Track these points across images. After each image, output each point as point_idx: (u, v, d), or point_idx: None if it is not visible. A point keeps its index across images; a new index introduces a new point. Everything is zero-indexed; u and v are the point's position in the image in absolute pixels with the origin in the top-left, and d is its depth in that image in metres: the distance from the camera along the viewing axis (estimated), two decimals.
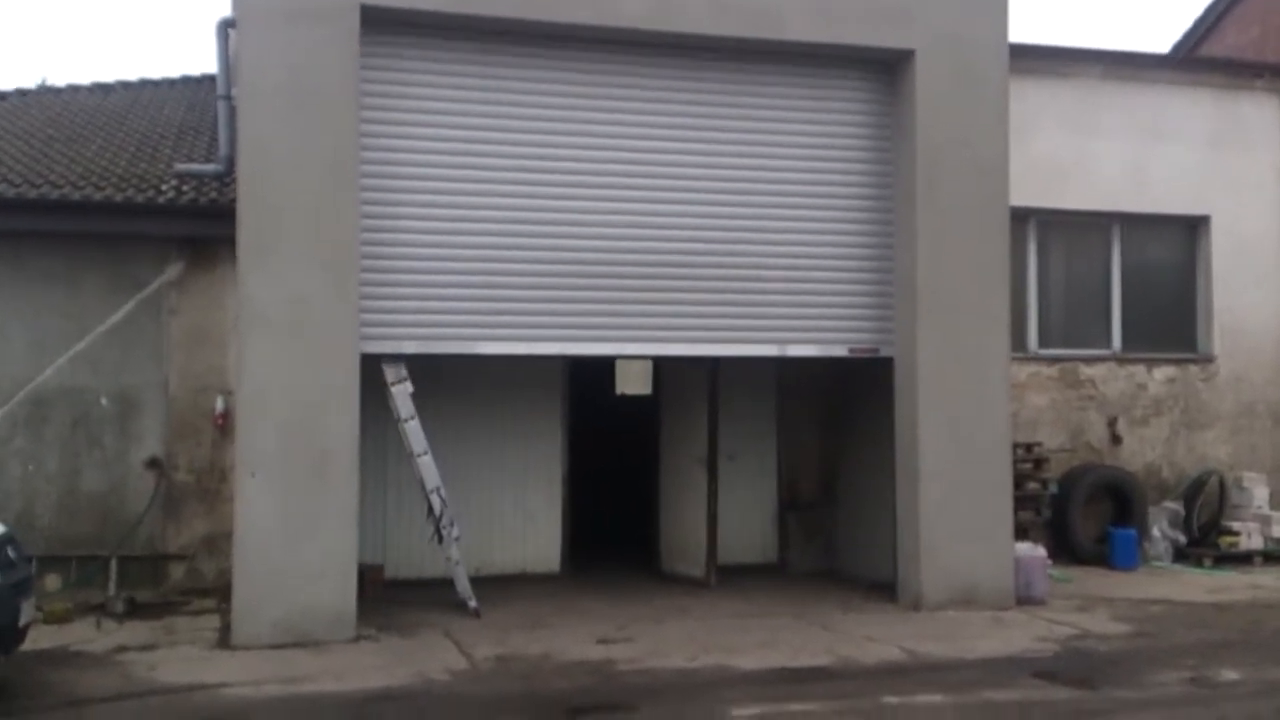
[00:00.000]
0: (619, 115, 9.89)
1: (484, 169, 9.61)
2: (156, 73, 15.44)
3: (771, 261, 10.23)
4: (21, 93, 14.06)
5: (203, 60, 44.54)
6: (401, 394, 9.59)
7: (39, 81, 14.43)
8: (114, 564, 10.27)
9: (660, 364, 12.03)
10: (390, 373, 9.52)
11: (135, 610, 9.68)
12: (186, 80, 14.89)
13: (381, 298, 9.35)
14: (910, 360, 10.16)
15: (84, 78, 14.51)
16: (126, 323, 10.74)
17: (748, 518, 12.18)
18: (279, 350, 8.87)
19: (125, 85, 14.46)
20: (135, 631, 9.08)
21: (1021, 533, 11.00)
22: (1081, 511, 12.56)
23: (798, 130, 10.30)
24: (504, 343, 9.73)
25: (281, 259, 8.88)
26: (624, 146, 9.90)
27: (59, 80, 14.57)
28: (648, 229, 9.96)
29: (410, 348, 9.51)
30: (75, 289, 10.63)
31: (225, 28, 10.66)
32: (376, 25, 9.17)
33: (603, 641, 8.75)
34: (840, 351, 10.49)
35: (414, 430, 9.68)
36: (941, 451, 10.02)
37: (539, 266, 9.72)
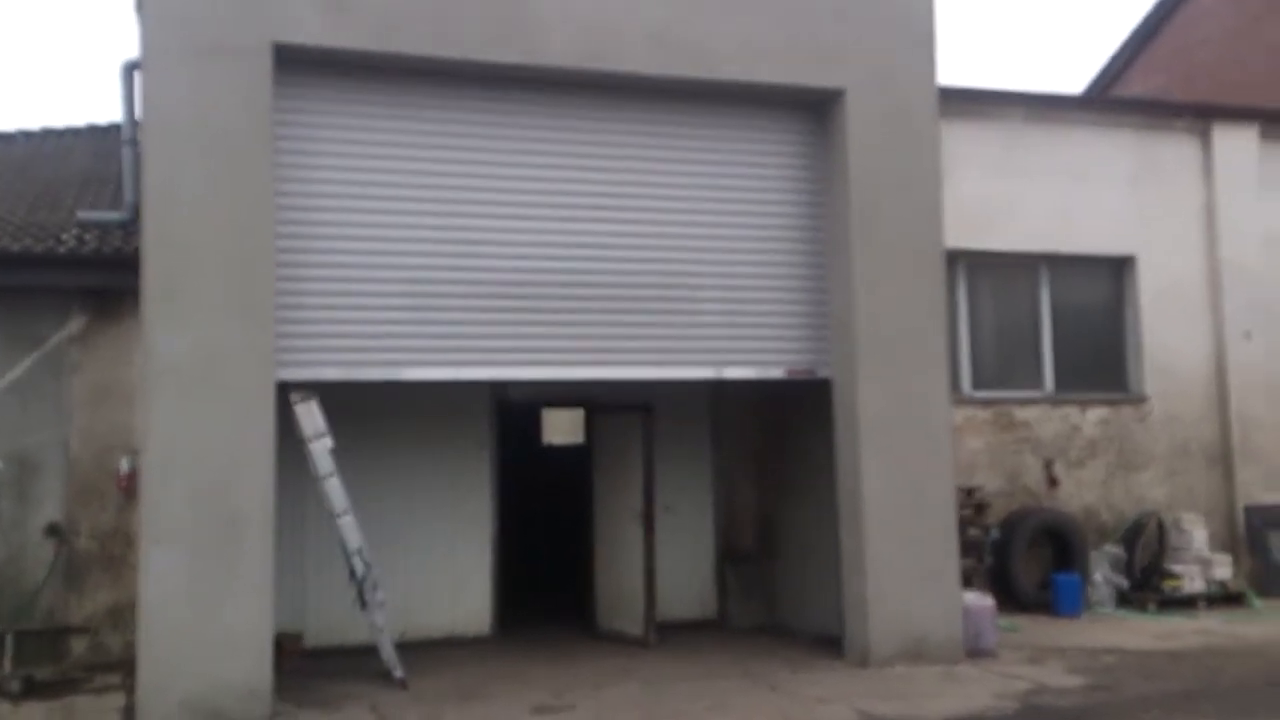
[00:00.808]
0: (545, 153, 9.53)
1: (408, 209, 9.17)
2: (64, 122, 14.54)
3: (707, 283, 9.91)
4: None
5: (111, 109, 43.32)
6: (320, 450, 9.07)
7: None
8: (9, 639, 9.51)
9: (591, 410, 11.63)
10: (302, 412, 8.95)
11: (33, 689, 8.98)
12: (94, 129, 14.22)
13: (298, 321, 8.82)
14: (850, 403, 9.88)
15: None
16: (25, 380, 10.10)
17: (685, 571, 11.78)
18: (188, 405, 8.31)
19: (27, 135, 13.77)
20: (32, 713, 8.40)
21: (964, 581, 10.73)
22: (1023, 556, 12.36)
23: (731, 168, 10.03)
24: (430, 368, 9.24)
25: (190, 306, 8.35)
26: (550, 178, 9.53)
27: None
28: (576, 259, 9.57)
29: (331, 374, 8.98)
30: None
31: (130, 70, 10.20)
32: (291, 64, 8.74)
33: (541, 710, 8.24)
34: (777, 372, 10.15)
35: (334, 489, 9.15)
36: (886, 496, 9.72)
37: (466, 290, 9.28)
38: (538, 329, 9.44)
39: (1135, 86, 20.05)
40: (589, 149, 9.64)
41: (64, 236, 10.16)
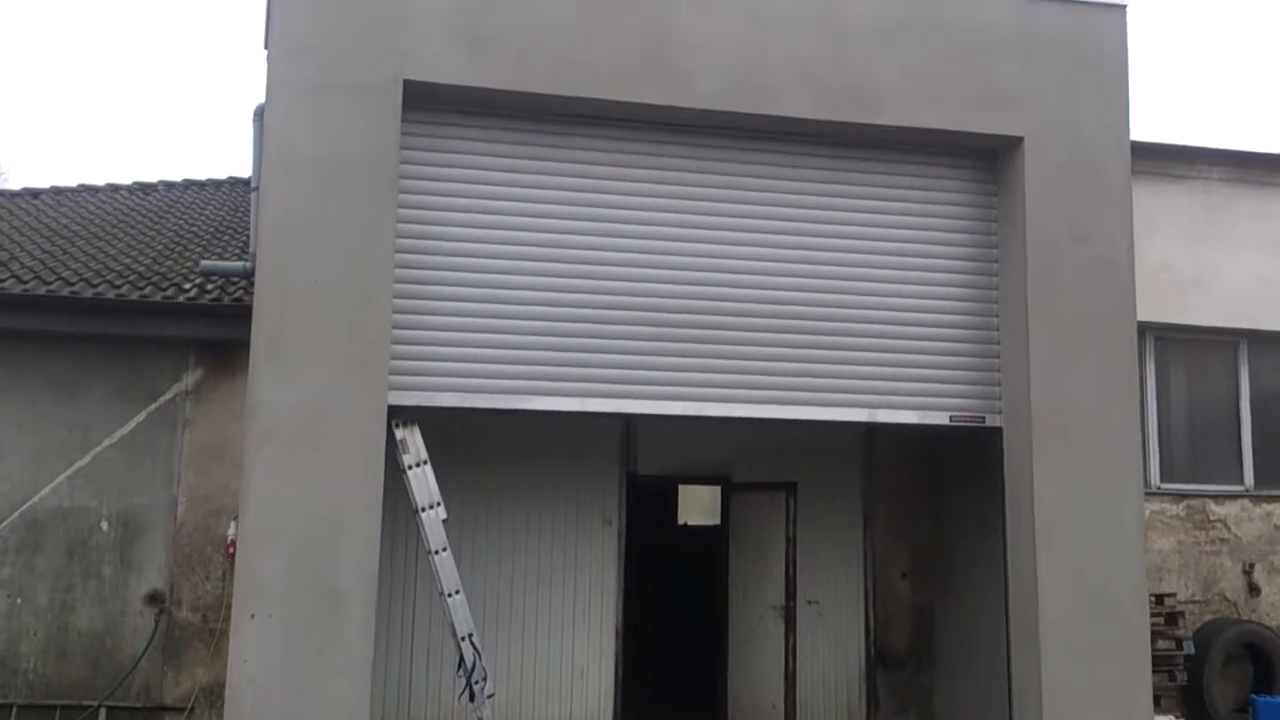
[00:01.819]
0: (687, 195, 8.69)
1: (539, 244, 8.44)
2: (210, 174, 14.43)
3: (862, 324, 8.90)
4: (56, 190, 13.30)
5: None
6: (432, 521, 8.28)
7: (79, 182, 13.55)
8: (102, 714, 8.94)
9: (729, 488, 10.65)
10: (416, 480, 8.20)
11: None
12: (234, 181, 14.08)
13: (413, 343, 8.15)
14: (1025, 492, 8.68)
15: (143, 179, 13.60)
16: (135, 436, 9.64)
17: (830, 676, 10.53)
18: (290, 465, 7.63)
19: (168, 185, 13.69)
20: None
21: (1153, 700, 9.31)
22: (1219, 674, 10.82)
23: (890, 216, 9.02)
24: (555, 398, 8.37)
25: (301, 357, 7.71)
26: (691, 221, 8.68)
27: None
28: (715, 296, 8.68)
29: (445, 400, 8.20)
30: (81, 398, 9.56)
31: (261, 114, 9.76)
32: (421, 101, 8.15)
33: None
34: (940, 419, 8.99)
35: (445, 565, 8.33)
36: (1064, 601, 8.43)
37: (596, 322, 8.48)
38: (673, 360, 8.57)
39: None
40: (733, 191, 8.77)
41: (185, 286, 9.74)
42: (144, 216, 12.30)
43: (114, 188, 13.69)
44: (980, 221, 9.19)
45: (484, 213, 8.38)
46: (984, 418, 9.03)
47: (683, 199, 8.69)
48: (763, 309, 8.73)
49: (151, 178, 14.03)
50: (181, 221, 12.07)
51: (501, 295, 8.35)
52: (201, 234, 11.59)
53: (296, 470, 7.64)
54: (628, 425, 10.26)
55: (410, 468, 8.38)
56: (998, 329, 9.10)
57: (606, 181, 8.60)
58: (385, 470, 7.84)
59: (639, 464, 10.44)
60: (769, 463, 10.46)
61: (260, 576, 7.50)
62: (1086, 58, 9.19)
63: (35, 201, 12.69)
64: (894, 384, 8.90)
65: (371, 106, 7.98)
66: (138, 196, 13.41)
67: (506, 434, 9.86)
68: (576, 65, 8.30)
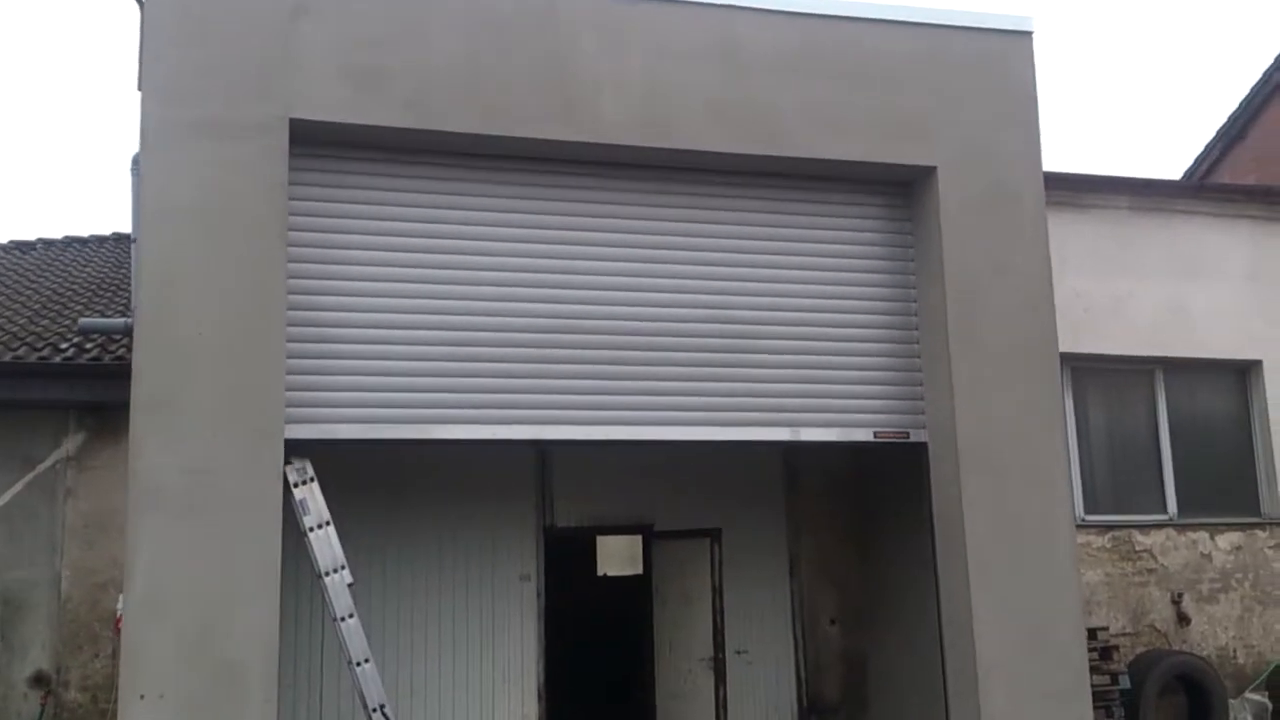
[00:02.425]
0: (594, 228, 8.37)
1: (443, 282, 8.05)
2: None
3: (779, 344, 8.61)
4: None
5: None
6: (337, 586, 7.74)
7: None
8: None
9: (650, 536, 10.25)
10: (318, 542, 7.67)
11: None
12: (118, 237, 13.44)
13: (309, 372, 7.67)
14: (954, 526, 8.41)
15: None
16: (13, 507, 8.97)
17: None
18: (177, 532, 7.05)
19: (47, 243, 13.00)
20: None
21: None
22: (1155, 707, 10.63)
23: (804, 245, 8.76)
24: (465, 425, 7.93)
25: (184, 416, 7.16)
26: (602, 256, 8.35)
27: None
28: (625, 318, 8.37)
29: (347, 432, 7.71)
30: None
31: (137, 164, 9.24)
32: (308, 142, 7.72)
33: None
34: (863, 435, 8.72)
35: (353, 632, 7.77)
36: (1002, 641, 8.15)
37: (506, 350, 8.10)
38: (585, 382, 8.20)
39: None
40: (642, 222, 8.46)
41: (62, 345, 9.13)
42: (20, 276, 11.64)
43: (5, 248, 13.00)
44: (898, 248, 8.99)
45: (383, 249, 7.94)
46: (908, 433, 8.79)
47: (590, 231, 8.35)
48: (676, 335, 8.40)
49: (30, 236, 13.33)
50: (60, 280, 11.44)
51: (402, 334, 7.91)
52: (81, 292, 10.98)
53: (185, 538, 7.08)
54: (543, 475, 9.86)
55: (311, 530, 7.85)
56: (919, 355, 8.88)
57: (511, 215, 8.22)
58: (284, 533, 7.33)
59: (556, 515, 10.00)
60: (691, 509, 10.10)
61: (149, 654, 6.90)
62: (996, 85, 9.08)
63: None
64: (816, 401, 8.61)
65: (256, 148, 7.52)
66: (14, 255, 12.72)
67: (415, 487, 9.42)
68: (474, 101, 7.94)
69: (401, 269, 7.98)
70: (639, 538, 10.61)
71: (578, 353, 8.20)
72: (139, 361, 7.19)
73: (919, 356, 8.88)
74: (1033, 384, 8.65)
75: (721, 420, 8.42)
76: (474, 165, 8.18)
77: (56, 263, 12.21)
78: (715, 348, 8.47)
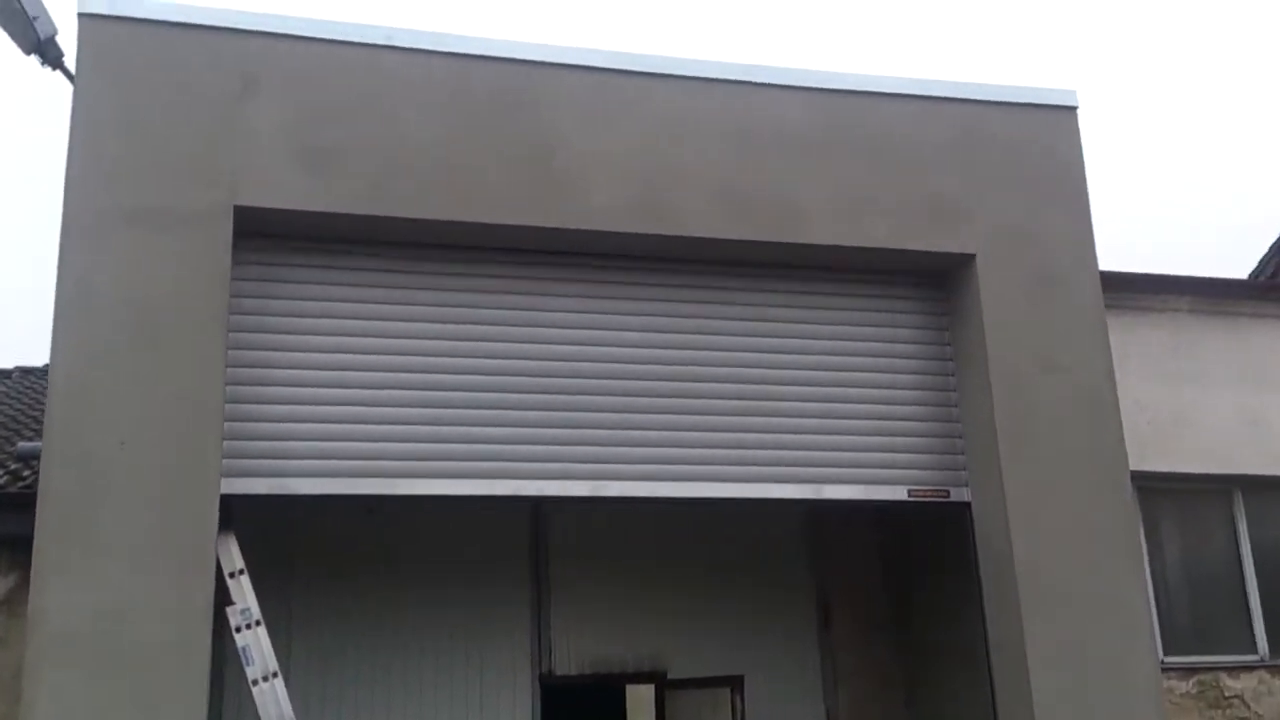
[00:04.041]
0: (581, 328, 7.37)
1: (409, 399, 7.02)
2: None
3: (802, 405, 7.62)
4: None
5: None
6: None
7: None
8: None
9: (662, 685, 8.95)
10: (249, 649, 6.51)
11: None
12: (25, 371, 12.64)
13: (256, 419, 6.74)
14: (1018, 678, 7.11)
15: None
16: None
17: None
18: (88, 689, 5.92)
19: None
20: None
21: None
22: None
23: (828, 345, 7.75)
24: (447, 480, 6.91)
25: (98, 551, 6.09)
26: (585, 356, 7.35)
27: None
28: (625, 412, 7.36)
29: (302, 486, 6.69)
30: None
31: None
32: (255, 232, 6.81)
33: None
34: (897, 494, 7.58)
35: None
36: None
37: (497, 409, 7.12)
38: (587, 433, 7.20)
39: None
40: (637, 318, 7.48)
41: None
42: None
43: None
44: (934, 346, 7.90)
45: (340, 351, 6.95)
46: (946, 491, 7.68)
47: (577, 329, 7.34)
48: (683, 413, 7.42)
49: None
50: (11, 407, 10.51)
51: (358, 448, 6.88)
52: (30, 421, 10.01)
53: (94, 695, 5.93)
54: (538, 613, 8.66)
55: (256, 683, 6.70)
56: (965, 468, 7.69)
57: (487, 311, 7.24)
58: (215, 688, 6.19)
59: (555, 661, 8.74)
60: (709, 652, 8.83)
61: None
62: (1039, 164, 8.10)
63: None
64: (838, 454, 7.61)
65: (195, 237, 6.60)
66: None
67: (390, 633, 8.25)
68: (445, 185, 7.03)
69: (362, 373, 6.96)
70: (651, 687, 9.26)
71: (573, 415, 7.23)
72: (45, 481, 6.17)
73: (965, 469, 7.71)
74: (1099, 497, 7.44)
75: (735, 476, 7.39)
76: (445, 257, 7.22)
77: (10, 392, 11.33)
78: (730, 409, 7.48)
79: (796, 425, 7.52)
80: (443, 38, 7.25)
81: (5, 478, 8.05)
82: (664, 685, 8.96)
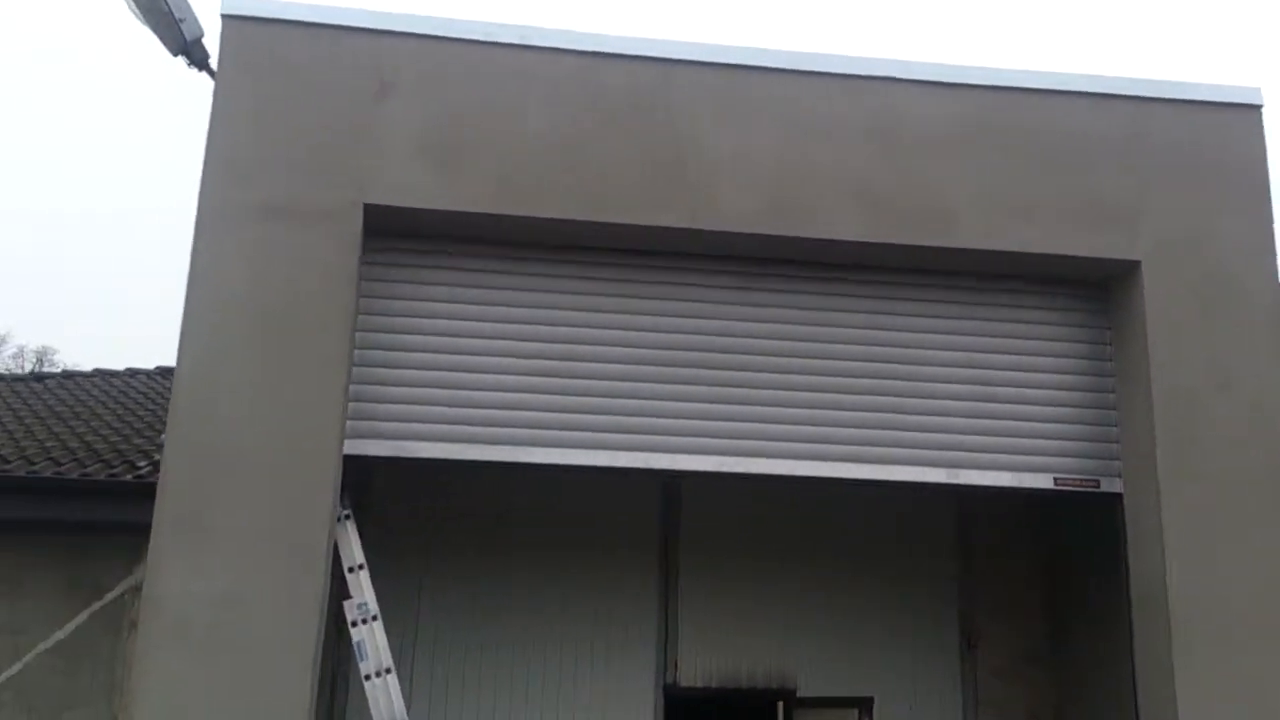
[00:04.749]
0: (714, 333, 7.15)
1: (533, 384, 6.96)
2: None
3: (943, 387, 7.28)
4: (67, 375, 12.32)
5: None
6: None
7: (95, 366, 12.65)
8: None
9: (790, 704, 8.61)
10: (364, 643, 6.53)
11: None
12: (164, 371, 13.00)
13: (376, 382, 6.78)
14: (1166, 712, 6.53)
15: None
16: (75, 639, 8.09)
17: None
18: (196, 675, 6.00)
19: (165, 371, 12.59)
20: None
21: None
22: None
23: (978, 358, 7.34)
24: (567, 450, 6.84)
25: (219, 538, 6.16)
26: (715, 364, 7.13)
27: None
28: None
29: (419, 450, 6.73)
30: (14, 596, 8.11)
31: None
32: (384, 230, 6.81)
33: None
34: (1041, 481, 7.13)
35: None
36: None
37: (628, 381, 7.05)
38: (717, 408, 7.03)
39: None
40: (771, 324, 7.22)
41: (139, 464, 8.37)
42: (146, 399, 11.15)
43: (132, 372, 12.66)
44: (1094, 361, 7.36)
45: (463, 353, 6.89)
46: (1096, 482, 7.21)
47: (708, 335, 7.11)
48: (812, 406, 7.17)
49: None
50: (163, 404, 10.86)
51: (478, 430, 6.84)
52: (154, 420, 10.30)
53: (204, 679, 5.99)
54: (665, 623, 8.45)
55: (369, 678, 6.70)
56: (1121, 494, 7.13)
57: (615, 314, 7.08)
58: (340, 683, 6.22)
59: (680, 673, 8.50)
60: (839, 670, 8.45)
61: None
62: (1214, 166, 7.48)
63: (37, 385, 11.69)
64: (980, 438, 7.23)
65: (325, 234, 6.63)
66: (157, 381, 12.32)
67: (510, 653, 8.17)
68: (573, 184, 6.88)
69: (484, 374, 6.88)
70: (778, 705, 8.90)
71: (705, 388, 7.07)
72: (166, 472, 6.27)
73: (1123, 493, 7.15)
74: (1271, 524, 6.76)
75: (866, 458, 7.09)
76: (571, 258, 7.08)
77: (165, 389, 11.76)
78: (864, 389, 7.24)
79: (940, 408, 7.19)
80: (575, 36, 7.12)
81: (149, 468, 8.26)
82: (791, 704, 8.60)
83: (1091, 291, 7.45)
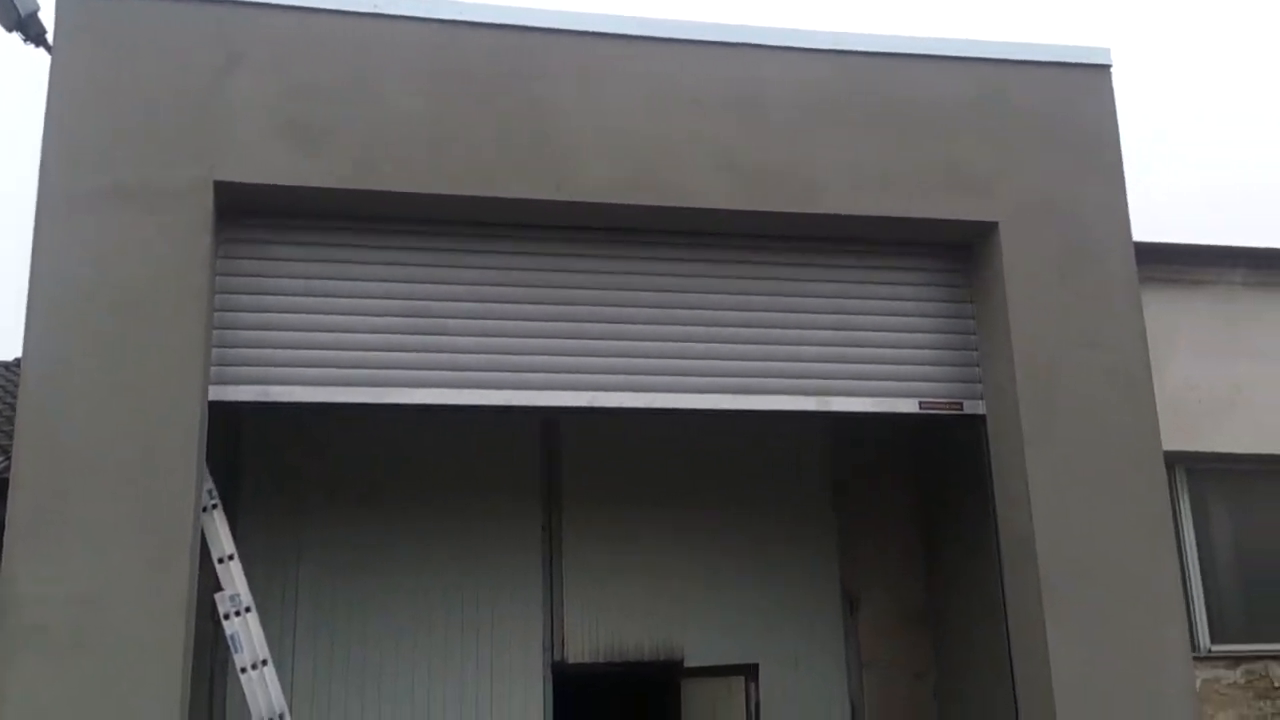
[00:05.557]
0: (576, 304, 7.10)
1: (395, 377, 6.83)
2: None
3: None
4: None
5: None
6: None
7: None
8: None
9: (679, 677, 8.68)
10: (238, 636, 6.41)
11: None
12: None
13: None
14: (1038, 667, 6.74)
15: None
16: None
17: None
18: (60, 676, 5.78)
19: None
20: None
21: None
22: None
23: (840, 320, 7.39)
24: (436, 389, 6.75)
25: (74, 536, 5.93)
26: (578, 334, 7.09)
27: None
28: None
29: (286, 394, 6.59)
30: None
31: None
32: (237, 209, 6.60)
33: None
34: (906, 405, 7.31)
35: None
36: None
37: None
38: (590, 344, 7.05)
39: None
40: (635, 293, 7.20)
41: None
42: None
43: None
44: (956, 320, 7.51)
45: (324, 330, 6.73)
46: (960, 404, 7.40)
47: (578, 288, 7.13)
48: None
49: None
50: None
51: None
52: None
53: (67, 683, 5.79)
54: (550, 591, 8.46)
55: (245, 670, 6.54)
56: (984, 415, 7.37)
57: (484, 288, 7.00)
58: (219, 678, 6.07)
59: (568, 649, 8.49)
60: (725, 639, 8.53)
61: None
62: (1068, 128, 7.64)
63: None
64: (846, 365, 7.38)
65: (175, 216, 6.40)
66: (12, 373, 11.84)
67: (395, 633, 8.06)
68: (435, 158, 6.75)
69: (347, 334, 6.77)
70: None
71: (574, 324, 7.08)
72: (17, 468, 6.01)
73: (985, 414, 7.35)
74: (1129, 478, 7.01)
75: (736, 388, 7.14)
76: (435, 231, 6.96)
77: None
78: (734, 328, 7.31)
79: (810, 350, 7.31)
80: (431, 4, 6.97)
81: (4, 463, 7.94)
82: (679, 674, 8.66)
83: (954, 252, 7.57)
